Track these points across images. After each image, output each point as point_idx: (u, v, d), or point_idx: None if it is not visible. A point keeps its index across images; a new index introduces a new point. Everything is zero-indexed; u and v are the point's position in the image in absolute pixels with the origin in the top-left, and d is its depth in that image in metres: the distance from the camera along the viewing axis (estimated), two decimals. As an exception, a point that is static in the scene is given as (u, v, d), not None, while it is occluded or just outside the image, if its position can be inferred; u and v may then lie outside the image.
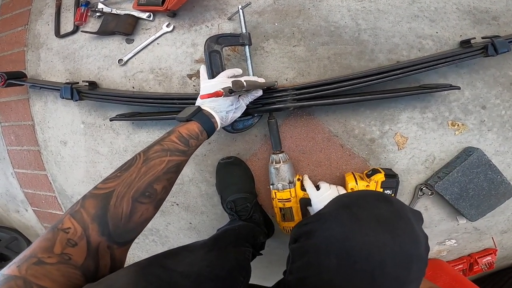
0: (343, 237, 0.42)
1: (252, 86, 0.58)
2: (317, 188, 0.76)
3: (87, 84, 0.89)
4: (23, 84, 0.97)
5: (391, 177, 0.73)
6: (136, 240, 1.17)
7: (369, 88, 0.70)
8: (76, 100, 0.87)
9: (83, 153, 1.03)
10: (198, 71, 0.84)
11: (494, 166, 0.76)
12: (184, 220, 1.01)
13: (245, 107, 0.68)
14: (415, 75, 0.69)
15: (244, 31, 0.72)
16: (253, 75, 0.74)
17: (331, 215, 0.47)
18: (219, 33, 0.81)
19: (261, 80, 0.71)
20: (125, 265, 0.44)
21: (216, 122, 0.61)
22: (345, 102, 0.72)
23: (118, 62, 0.90)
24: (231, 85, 0.53)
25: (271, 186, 0.78)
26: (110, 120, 0.88)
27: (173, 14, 0.84)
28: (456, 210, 0.81)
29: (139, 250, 1.15)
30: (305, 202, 0.78)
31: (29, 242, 1.38)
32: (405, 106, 0.76)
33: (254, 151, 0.86)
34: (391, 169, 0.79)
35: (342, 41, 0.76)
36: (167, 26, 0.85)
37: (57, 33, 0.97)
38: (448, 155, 0.79)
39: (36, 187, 1.18)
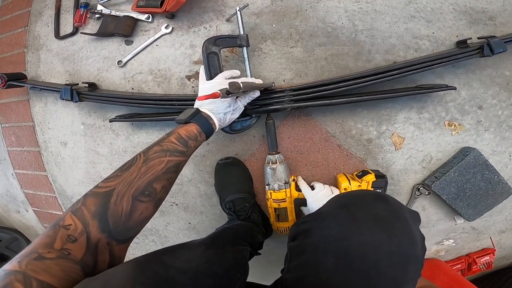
0: (341, 236, 0.42)
1: (249, 88, 0.59)
2: (312, 188, 0.77)
3: (86, 85, 0.89)
4: (23, 86, 0.97)
5: (381, 178, 0.75)
6: (135, 240, 1.18)
7: (366, 88, 0.71)
8: (76, 102, 0.88)
9: (83, 154, 1.03)
10: (197, 72, 0.85)
11: (491, 166, 0.76)
12: (183, 220, 1.02)
13: (243, 108, 0.69)
14: (411, 76, 0.69)
15: (242, 32, 0.73)
16: (251, 77, 0.74)
17: (329, 214, 0.47)
18: (217, 34, 0.81)
19: (259, 81, 0.72)
20: None
21: (214, 124, 0.62)
22: (343, 103, 0.72)
23: (118, 64, 0.90)
24: (228, 87, 0.53)
25: (267, 187, 0.79)
26: (110, 121, 0.88)
27: (171, 15, 0.84)
28: (453, 210, 0.81)
29: (139, 250, 1.15)
30: (299, 203, 0.78)
31: (29, 243, 1.35)
32: (402, 106, 0.76)
33: (252, 151, 0.87)
34: (378, 170, 0.80)
35: (339, 42, 0.76)
36: (166, 27, 0.85)
37: (57, 35, 0.98)
38: (445, 155, 0.79)
39: (37, 187, 1.18)
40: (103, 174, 1.03)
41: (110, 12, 0.89)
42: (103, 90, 0.92)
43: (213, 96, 0.51)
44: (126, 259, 0.45)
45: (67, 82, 0.96)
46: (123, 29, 0.86)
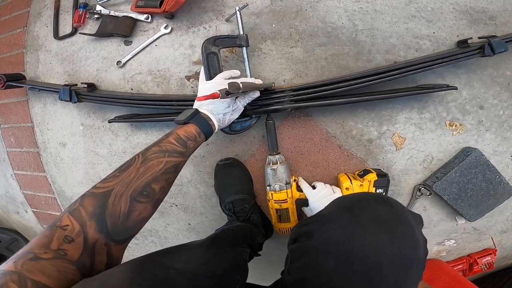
0: (343, 239, 0.42)
1: (249, 88, 0.58)
2: (313, 188, 0.77)
3: (85, 86, 0.89)
4: (22, 86, 0.97)
5: (382, 177, 0.74)
6: (135, 241, 1.18)
7: (367, 88, 0.70)
8: (75, 102, 0.87)
9: (82, 154, 1.03)
10: (196, 73, 0.85)
11: (493, 166, 0.76)
12: (183, 221, 1.01)
13: (243, 108, 0.69)
14: (412, 76, 0.69)
15: (241, 32, 0.72)
16: (250, 77, 0.74)
17: (331, 216, 0.47)
18: (217, 34, 0.81)
19: (258, 81, 0.72)
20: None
21: (214, 125, 0.62)
22: (343, 103, 0.72)
23: (117, 64, 0.90)
24: (227, 87, 0.53)
25: (267, 188, 0.78)
26: (109, 122, 0.88)
27: (171, 16, 0.84)
28: (454, 211, 0.81)
29: (139, 251, 1.15)
30: (301, 203, 0.78)
31: None
32: (402, 106, 0.76)
33: (252, 152, 0.86)
34: (380, 169, 0.79)
35: (339, 42, 0.76)
36: (165, 28, 0.85)
37: (56, 35, 0.97)
38: (446, 155, 0.79)
39: (36, 188, 1.18)
40: (103, 175, 1.03)
41: (109, 12, 0.88)
42: (102, 91, 0.92)
43: (213, 96, 0.51)
44: (126, 259, 0.45)
45: (66, 83, 0.95)
46: (122, 30, 0.86)
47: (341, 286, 0.41)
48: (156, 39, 0.87)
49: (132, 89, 0.91)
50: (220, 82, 0.65)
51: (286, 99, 0.73)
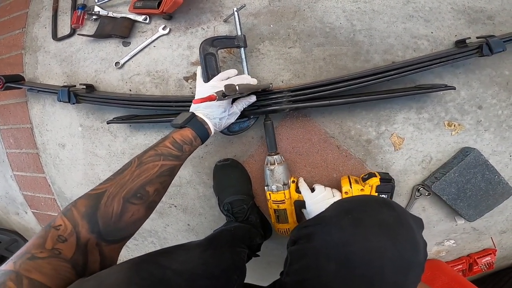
0: (344, 242, 0.42)
1: (246, 90, 0.58)
2: (312, 190, 0.76)
3: (84, 87, 0.89)
4: (21, 88, 0.97)
5: (387, 181, 0.73)
6: (135, 242, 1.18)
7: (365, 89, 0.70)
8: (73, 103, 0.87)
9: (81, 155, 1.03)
10: (194, 74, 0.85)
11: (492, 166, 0.76)
12: (182, 221, 1.01)
13: (239, 113, 0.69)
14: (410, 76, 0.69)
15: (239, 33, 0.72)
16: (249, 77, 0.74)
17: (332, 219, 0.47)
18: (215, 35, 0.81)
19: (253, 80, 0.71)
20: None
21: (210, 128, 0.62)
22: (341, 103, 0.72)
23: (115, 65, 0.90)
24: (223, 89, 0.53)
25: (266, 188, 0.78)
26: (107, 123, 0.88)
27: (169, 16, 0.84)
28: (454, 211, 0.81)
29: (138, 252, 1.15)
30: (300, 205, 0.78)
31: None
32: (401, 106, 0.76)
33: (251, 153, 0.86)
34: (387, 173, 0.79)
35: (338, 42, 0.76)
36: (163, 28, 0.85)
37: (54, 36, 0.97)
38: (445, 156, 0.78)
39: (35, 189, 1.18)
40: (102, 176, 1.03)
41: (107, 13, 0.88)
42: (100, 92, 0.92)
43: (209, 99, 0.51)
44: (125, 259, 0.46)
45: (65, 84, 0.95)
46: (120, 31, 0.86)
47: None
48: (154, 40, 0.87)
49: (130, 90, 0.91)
50: (216, 84, 0.65)
51: (284, 99, 0.73)
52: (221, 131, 0.77)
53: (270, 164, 0.77)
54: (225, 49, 0.80)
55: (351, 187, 0.74)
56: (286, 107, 0.73)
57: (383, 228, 0.42)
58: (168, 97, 0.83)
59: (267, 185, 0.78)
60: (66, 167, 1.07)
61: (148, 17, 0.86)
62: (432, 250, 0.93)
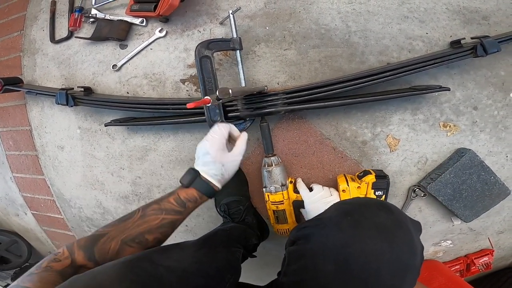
0: (342, 243, 0.43)
1: (240, 93, 0.58)
2: (310, 190, 0.77)
3: (82, 89, 0.90)
4: (20, 90, 0.98)
5: (382, 178, 0.74)
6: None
7: (360, 90, 0.70)
8: (71, 106, 0.88)
9: (80, 157, 1.04)
10: (191, 76, 0.85)
11: (487, 167, 0.76)
12: (180, 223, 1.02)
13: (241, 157, 0.65)
14: (405, 77, 0.69)
15: (235, 35, 0.73)
16: (244, 80, 0.74)
17: (331, 220, 0.47)
18: (211, 37, 0.81)
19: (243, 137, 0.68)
20: None
21: (215, 185, 0.61)
22: (336, 105, 0.72)
23: (112, 68, 0.90)
24: (218, 94, 0.53)
25: (264, 189, 0.79)
26: (105, 126, 0.88)
27: (165, 19, 0.84)
28: (450, 211, 0.81)
29: (137, 253, 1.15)
30: (298, 205, 0.78)
31: (29, 245, 1.40)
32: (396, 108, 0.76)
33: (247, 154, 0.87)
34: (382, 170, 0.79)
35: (333, 43, 0.76)
36: (160, 31, 0.85)
37: (52, 39, 0.98)
38: (441, 157, 0.79)
39: (35, 191, 1.19)
40: (100, 177, 1.03)
41: (105, 16, 0.89)
42: (98, 95, 0.93)
43: (203, 102, 0.51)
44: None
45: (63, 87, 0.96)
46: (117, 33, 0.87)
47: None
48: (151, 43, 0.87)
49: (128, 93, 0.91)
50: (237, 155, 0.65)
51: (280, 101, 0.73)
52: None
53: (267, 166, 0.77)
54: (221, 52, 0.80)
55: (348, 185, 0.74)
56: (282, 109, 0.73)
57: (381, 231, 0.43)
58: (165, 100, 0.84)
59: (265, 187, 0.79)
60: (65, 169, 1.08)
61: (144, 19, 0.86)
62: (429, 251, 0.93)
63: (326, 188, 0.76)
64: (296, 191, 0.78)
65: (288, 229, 0.81)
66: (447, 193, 0.77)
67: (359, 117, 0.78)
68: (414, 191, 0.80)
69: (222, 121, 0.71)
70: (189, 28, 0.84)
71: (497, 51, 0.65)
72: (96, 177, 1.04)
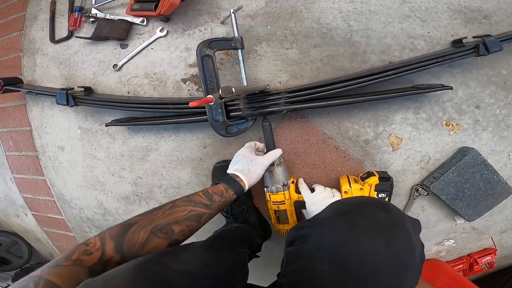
0: (338, 243, 0.42)
1: (242, 91, 0.58)
2: (312, 190, 0.76)
3: (82, 89, 0.89)
4: (20, 90, 0.97)
5: (385, 180, 0.73)
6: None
7: (362, 89, 0.70)
8: (72, 106, 0.87)
9: (80, 158, 1.03)
10: (192, 75, 0.85)
11: (490, 166, 0.76)
12: (181, 223, 1.01)
13: (267, 164, 0.71)
14: (408, 76, 0.69)
15: (236, 35, 0.72)
16: (246, 79, 0.74)
17: (327, 221, 0.47)
18: (212, 37, 0.81)
19: (278, 151, 0.74)
20: None
21: (242, 180, 0.65)
22: (339, 104, 0.72)
23: (113, 67, 0.90)
24: (220, 92, 0.53)
25: (265, 189, 0.78)
26: (106, 126, 0.88)
27: (166, 18, 0.84)
28: (453, 210, 0.81)
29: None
30: (300, 205, 0.78)
31: (29, 246, 1.39)
32: (398, 107, 0.76)
33: (249, 154, 0.86)
34: (386, 172, 0.78)
35: (335, 42, 0.76)
36: (161, 30, 0.85)
37: (52, 39, 0.98)
38: (443, 155, 0.78)
39: (35, 192, 1.18)
40: (101, 178, 1.03)
41: (105, 15, 0.89)
42: (98, 94, 0.92)
43: (206, 101, 0.51)
44: None
45: (63, 87, 0.96)
46: (117, 33, 0.86)
47: None
48: (152, 42, 0.87)
49: (128, 92, 0.91)
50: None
51: (282, 101, 0.73)
52: (219, 133, 0.77)
53: (269, 165, 0.77)
54: (222, 51, 0.80)
55: (350, 187, 0.74)
56: (284, 109, 0.73)
57: (378, 230, 0.42)
58: (166, 99, 0.83)
59: (266, 186, 0.78)
60: (65, 169, 1.07)
61: (145, 19, 0.86)
62: (432, 250, 0.93)
63: (328, 189, 0.76)
64: (298, 191, 0.78)
65: (289, 229, 0.81)
66: (450, 192, 0.77)
67: (361, 116, 0.78)
68: (417, 190, 0.80)
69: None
70: (190, 27, 0.84)
71: (499, 50, 0.64)
72: (97, 178, 1.03)
